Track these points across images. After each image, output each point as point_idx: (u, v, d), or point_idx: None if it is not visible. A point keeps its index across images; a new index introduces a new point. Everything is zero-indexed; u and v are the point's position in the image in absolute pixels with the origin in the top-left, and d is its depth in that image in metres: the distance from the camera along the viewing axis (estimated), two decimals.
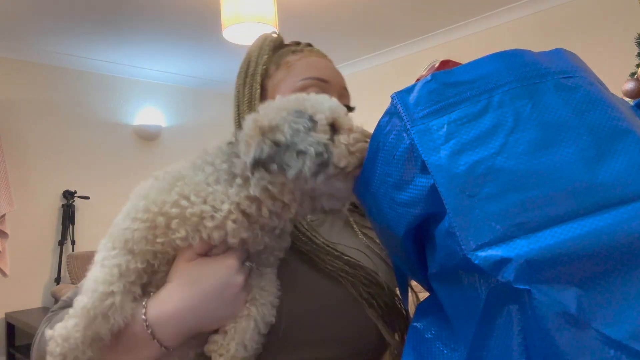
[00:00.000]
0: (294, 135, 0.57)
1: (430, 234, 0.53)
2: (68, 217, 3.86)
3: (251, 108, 0.81)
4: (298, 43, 0.91)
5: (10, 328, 3.52)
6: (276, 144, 0.57)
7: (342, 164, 0.58)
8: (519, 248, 0.42)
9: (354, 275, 0.73)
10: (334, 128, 0.61)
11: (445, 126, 0.50)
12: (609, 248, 0.41)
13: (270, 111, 0.61)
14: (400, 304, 0.77)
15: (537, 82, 0.50)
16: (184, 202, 0.59)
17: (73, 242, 3.89)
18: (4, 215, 3.49)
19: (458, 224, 0.45)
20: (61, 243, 3.82)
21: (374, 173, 0.57)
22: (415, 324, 0.57)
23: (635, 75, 1.96)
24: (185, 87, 4.74)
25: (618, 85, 1.94)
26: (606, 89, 0.53)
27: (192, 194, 0.60)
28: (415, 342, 0.56)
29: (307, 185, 0.58)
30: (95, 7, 3.09)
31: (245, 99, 0.84)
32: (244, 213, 0.60)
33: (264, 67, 0.85)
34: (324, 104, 0.62)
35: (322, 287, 0.74)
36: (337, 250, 0.75)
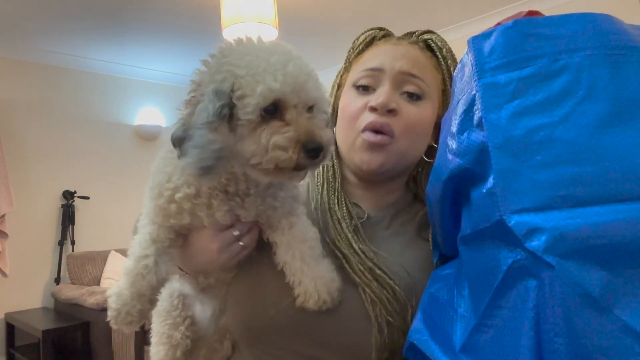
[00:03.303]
0: (197, 122, 0.56)
1: (469, 198, 0.52)
2: (68, 217, 3.85)
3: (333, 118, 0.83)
4: (387, 35, 0.85)
5: (10, 328, 3.51)
6: (185, 126, 0.59)
7: (254, 161, 0.57)
8: (556, 220, 0.41)
9: (378, 295, 0.67)
10: (276, 108, 0.56)
11: (514, 82, 0.47)
12: None
13: (205, 76, 0.59)
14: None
15: (623, 53, 0.46)
16: (169, 185, 0.66)
17: (73, 242, 3.89)
18: (3, 216, 3.48)
19: (501, 185, 0.44)
20: (61, 243, 3.81)
21: (448, 116, 0.55)
22: (429, 289, 0.56)
23: None
24: (186, 87, 4.66)
25: None
26: None
27: (175, 173, 0.66)
28: (426, 305, 0.55)
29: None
30: (96, 7, 3.09)
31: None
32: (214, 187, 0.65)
33: (345, 65, 0.85)
34: (259, 84, 0.54)
35: (346, 305, 0.69)
36: (371, 261, 0.70)
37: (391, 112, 0.74)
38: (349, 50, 0.85)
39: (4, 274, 3.51)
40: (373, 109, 0.74)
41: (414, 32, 0.84)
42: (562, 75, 0.45)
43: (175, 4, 3.07)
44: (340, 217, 0.74)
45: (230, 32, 2.69)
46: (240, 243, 0.70)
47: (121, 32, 3.54)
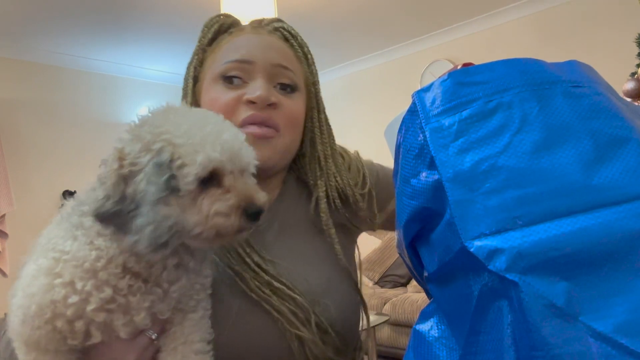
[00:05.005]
0: (143, 197, 0.50)
1: (428, 238, 0.56)
2: None
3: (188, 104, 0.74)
4: (235, 22, 0.82)
5: None
6: (122, 199, 0.51)
7: (196, 231, 0.53)
8: (512, 240, 0.45)
9: (278, 308, 0.66)
10: (213, 176, 0.54)
11: (456, 124, 0.53)
12: (598, 244, 0.43)
13: (136, 146, 0.53)
14: (336, 342, 0.71)
15: (547, 87, 0.53)
16: (73, 298, 0.52)
17: None
18: (3, 216, 3.49)
19: (458, 214, 0.48)
20: None
21: (397, 166, 0.60)
22: (416, 327, 0.58)
23: (636, 75, 1.96)
24: None
25: (618, 86, 1.94)
26: (618, 99, 0.56)
27: (77, 278, 0.53)
28: (416, 345, 0.58)
29: (146, 255, 0.53)
30: (96, 7, 3.09)
31: (182, 94, 0.78)
32: (134, 274, 0.54)
33: (197, 56, 0.79)
34: (198, 154, 0.52)
35: (256, 327, 0.68)
36: (267, 274, 0.68)
37: (271, 105, 0.71)
38: (200, 41, 0.80)
39: (4, 274, 3.51)
40: (251, 103, 0.69)
41: (262, 20, 0.83)
42: (497, 113, 0.52)
43: (175, 4, 3.08)
44: None
45: None
46: (154, 342, 0.61)
47: (121, 32, 3.54)
